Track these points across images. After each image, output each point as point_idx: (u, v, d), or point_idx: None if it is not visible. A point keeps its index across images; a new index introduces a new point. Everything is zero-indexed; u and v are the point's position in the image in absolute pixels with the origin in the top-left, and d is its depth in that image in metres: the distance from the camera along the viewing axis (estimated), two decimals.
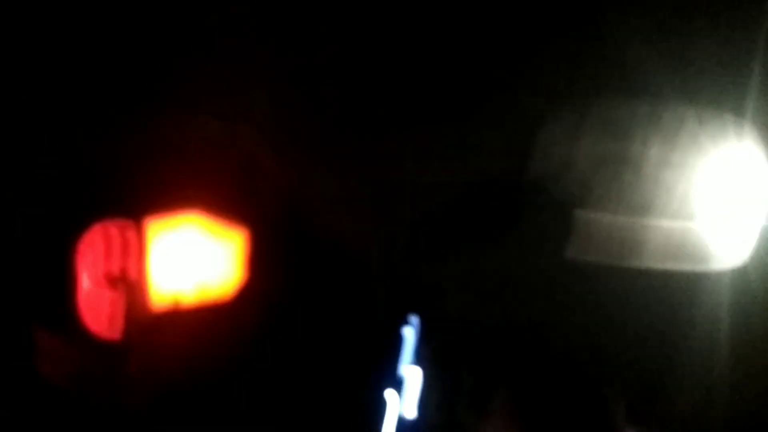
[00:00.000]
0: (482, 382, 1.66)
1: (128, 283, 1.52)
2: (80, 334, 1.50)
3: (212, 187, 1.57)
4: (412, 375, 1.66)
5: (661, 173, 1.57)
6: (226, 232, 1.57)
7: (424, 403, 1.65)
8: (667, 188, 1.58)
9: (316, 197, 1.64)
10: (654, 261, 1.58)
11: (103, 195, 1.54)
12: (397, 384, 1.65)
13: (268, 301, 1.57)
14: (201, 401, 1.53)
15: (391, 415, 1.62)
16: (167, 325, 1.53)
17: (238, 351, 1.54)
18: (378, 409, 1.62)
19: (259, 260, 1.58)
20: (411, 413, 1.65)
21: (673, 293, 1.60)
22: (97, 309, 1.51)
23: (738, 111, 1.55)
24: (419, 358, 1.67)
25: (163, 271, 1.54)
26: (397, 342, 1.67)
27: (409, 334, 1.68)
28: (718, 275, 1.58)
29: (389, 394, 1.64)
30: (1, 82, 1.51)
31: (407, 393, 1.65)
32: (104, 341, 1.51)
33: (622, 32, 1.56)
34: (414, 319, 1.68)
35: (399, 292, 1.69)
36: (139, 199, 1.53)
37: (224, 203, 1.57)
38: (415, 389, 1.66)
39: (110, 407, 1.51)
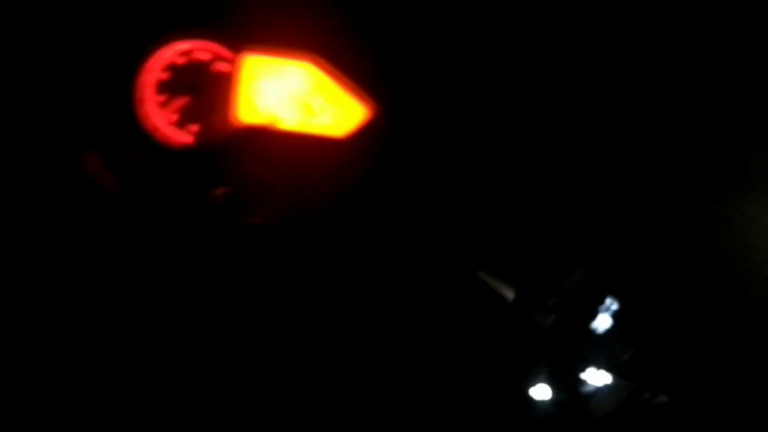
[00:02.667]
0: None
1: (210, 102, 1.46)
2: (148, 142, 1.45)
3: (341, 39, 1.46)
4: (595, 379, 1.44)
5: None
6: (344, 95, 1.47)
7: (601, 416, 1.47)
8: None
9: None
10: None
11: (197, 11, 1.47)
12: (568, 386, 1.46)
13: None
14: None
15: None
16: (260, 142, 1.45)
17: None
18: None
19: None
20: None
21: None
22: (169, 116, 1.46)
23: None
24: (611, 361, 1.46)
25: (256, 105, 1.45)
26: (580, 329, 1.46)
27: (603, 323, 1.48)
28: None
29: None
30: None
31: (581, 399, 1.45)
32: (177, 146, 1.45)
33: None
34: (612, 304, 1.48)
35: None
36: (244, 25, 1.46)
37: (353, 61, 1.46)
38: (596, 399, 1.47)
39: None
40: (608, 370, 1.48)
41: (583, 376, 1.48)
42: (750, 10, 1.58)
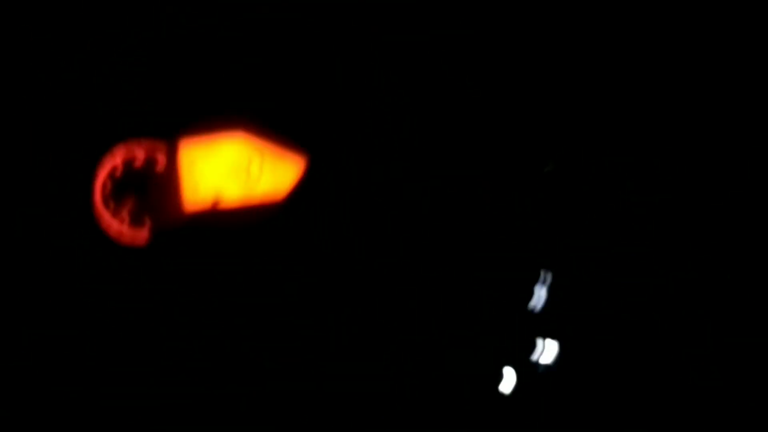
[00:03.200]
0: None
1: (155, 198, 1.57)
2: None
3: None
4: (539, 348, 1.56)
5: None
6: (278, 153, 1.58)
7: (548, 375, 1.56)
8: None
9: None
10: None
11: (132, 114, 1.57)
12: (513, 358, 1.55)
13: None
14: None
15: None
16: (205, 222, 1.56)
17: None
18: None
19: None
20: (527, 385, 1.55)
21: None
22: (119, 221, 1.56)
23: None
24: (549, 326, 1.57)
25: (197, 184, 1.56)
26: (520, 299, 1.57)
27: (539, 294, 1.58)
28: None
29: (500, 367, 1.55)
30: None
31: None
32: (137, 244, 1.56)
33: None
34: (547, 276, 1.59)
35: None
36: (176, 118, 1.56)
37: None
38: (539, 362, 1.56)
39: None
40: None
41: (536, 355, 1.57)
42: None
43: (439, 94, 1.62)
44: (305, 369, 1.56)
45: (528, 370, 1.57)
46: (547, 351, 1.57)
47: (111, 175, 1.56)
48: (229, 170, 1.56)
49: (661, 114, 1.61)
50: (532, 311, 1.59)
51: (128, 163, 1.55)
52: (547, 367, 1.56)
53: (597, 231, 1.61)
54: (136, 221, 1.56)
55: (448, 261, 1.61)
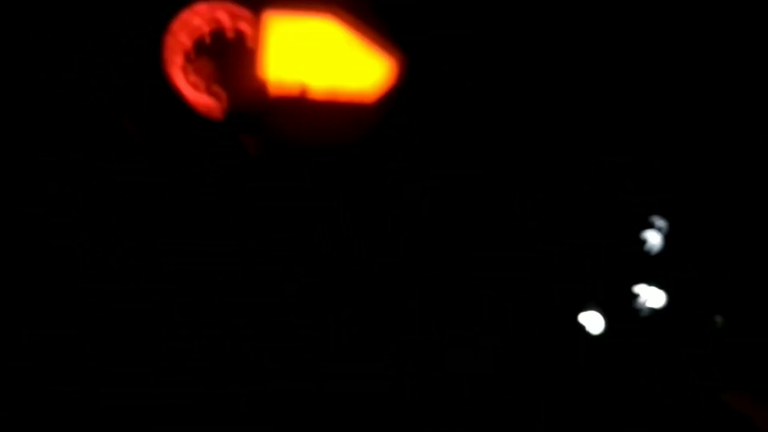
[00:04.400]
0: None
1: (234, 73, 1.49)
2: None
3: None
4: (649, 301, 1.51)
5: None
6: (369, 48, 1.50)
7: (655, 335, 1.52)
8: None
9: None
10: None
11: None
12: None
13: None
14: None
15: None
16: (288, 110, 1.49)
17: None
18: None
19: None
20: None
21: None
22: (194, 87, 1.50)
23: None
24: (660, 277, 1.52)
25: (282, 65, 1.49)
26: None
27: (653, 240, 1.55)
28: None
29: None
30: None
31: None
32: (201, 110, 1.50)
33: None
34: (660, 223, 1.56)
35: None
36: None
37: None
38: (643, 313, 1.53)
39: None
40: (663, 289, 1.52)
41: (636, 292, 1.53)
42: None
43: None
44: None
45: (623, 315, 1.54)
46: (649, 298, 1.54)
47: (197, 42, 1.49)
48: (316, 57, 1.49)
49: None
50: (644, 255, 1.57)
51: (215, 32, 1.49)
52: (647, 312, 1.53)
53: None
54: (213, 92, 1.50)
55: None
